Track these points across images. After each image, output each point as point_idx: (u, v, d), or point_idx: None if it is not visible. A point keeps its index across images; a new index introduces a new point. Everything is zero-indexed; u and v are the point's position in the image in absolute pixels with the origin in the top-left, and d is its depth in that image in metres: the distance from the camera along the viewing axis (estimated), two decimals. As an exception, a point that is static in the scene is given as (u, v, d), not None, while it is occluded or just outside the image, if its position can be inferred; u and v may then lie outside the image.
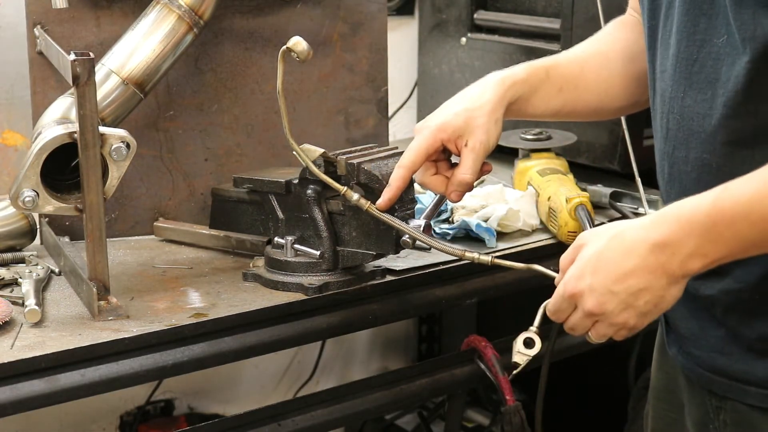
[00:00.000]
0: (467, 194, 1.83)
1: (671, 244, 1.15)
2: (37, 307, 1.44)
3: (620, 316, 1.19)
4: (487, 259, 1.42)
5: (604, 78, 1.51)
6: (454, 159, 1.49)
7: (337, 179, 1.52)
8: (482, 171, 1.47)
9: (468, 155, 1.42)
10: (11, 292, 1.55)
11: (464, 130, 1.42)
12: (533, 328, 1.32)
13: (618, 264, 1.17)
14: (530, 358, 1.32)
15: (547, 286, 1.42)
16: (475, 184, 1.51)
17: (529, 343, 1.32)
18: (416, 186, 1.59)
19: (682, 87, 1.26)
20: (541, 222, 1.87)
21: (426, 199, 1.87)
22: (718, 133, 1.22)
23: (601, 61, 1.52)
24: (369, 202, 1.48)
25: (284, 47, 1.43)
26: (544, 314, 1.34)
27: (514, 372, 1.35)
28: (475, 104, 1.43)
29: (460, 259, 1.47)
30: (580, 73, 1.51)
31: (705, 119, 1.23)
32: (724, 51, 1.20)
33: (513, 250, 1.77)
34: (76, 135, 1.44)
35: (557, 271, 1.31)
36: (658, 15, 1.33)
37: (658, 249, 1.15)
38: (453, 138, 1.43)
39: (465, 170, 1.43)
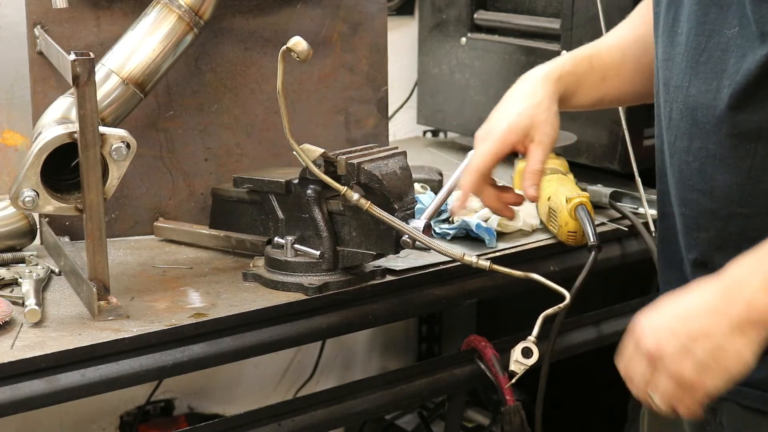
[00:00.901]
0: (467, 194, 1.85)
1: (737, 280, 1.09)
2: (37, 307, 1.44)
3: (677, 363, 1.08)
4: (485, 264, 1.42)
5: (645, 63, 1.49)
6: (499, 183, 1.50)
7: (337, 179, 1.51)
8: (514, 202, 1.48)
9: (536, 149, 1.43)
10: (11, 292, 1.55)
11: (529, 128, 1.42)
12: (531, 338, 1.32)
13: (682, 302, 1.12)
14: (528, 368, 1.32)
15: (547, 288, 1.42)
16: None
17: (527, 353, 1.32)
18: (416, 186, 1.59)
19: (688, 76, 1.25)
20: (541, 222, 1.87)
21: (426, 199, 1.87)
22: (723, 125, 1.21)
23: (641, 46, 1.51)
24: (369, 202, 1.48)
25: (284, 47, 1.43)
26: (543, 323, 1.34)
27: (511, 381, 1.34)
28: (534, 101, 1.43)
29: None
30: (621, 60, 1.51)
31: (709, 110, 1.22)
32: (734, 42, 1.19)
33: (513, 250, 1.77)
34: (76, 135, 1.44)
35: (554, 281, 1.31)
36: (660, 2, 1.32)
37: (723, 288, 1.09)
38: (521, 139, 1.43)
39: (534, 162, 1.43)
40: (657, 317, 1.12)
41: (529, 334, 1.33)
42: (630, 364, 1.14)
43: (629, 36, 1.53)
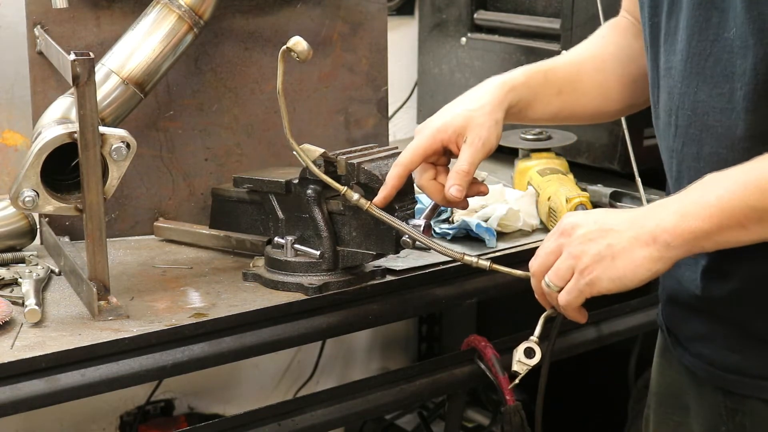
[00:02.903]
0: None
1: (661, 202, 1.19)
2: (37, 307, 1.44)
3: (582, 244, 1.19)
4: (485, 264, 1.42)
5: (599, 81, 1.51)
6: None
7: (337, 179, 1.52)
8: (478, 192, 1.48)
9: (466, 149, 1.42)
10: (11, 292, 1.55)
11: (464, 129, 1.43)
12: (534, 338, 1.32)
13: (613, 210, 1.26)
14: (530, 368, 1.32)
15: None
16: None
17: (529, 353, 1.31)
18: (416, 186, 1.59)
19: (694, 82, 1.25)
20: (541, 222, 1.87)
21: (426, 199, 1.86)
22: (737, 128, 1.20)
23: (596, 64, 1.52)
24: (369, 202, 1.48)
25: (284, 47, 1.43)
26: (545, 323, 1.34)
27: (514, 382, 1.34)
28: (475, 105, 1.44)
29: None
30: (577, 76, 1.52)
31: (723, 113, 1.22)
32: (736, 44, 1.19)
33: (513, 250, 1.77)
34: (76, 135, 1.44)
35: None
36: (660, 12, 1.32)
37: (649, 206, 1.21)
38: (453, 138, 1.43)
39: (461, 162, 1.42)
40: (586, 213, 1.24)
41: (531, 334, 1.33)
42: (543, 244, 1.25)
43: (585, 54, 1.54)
